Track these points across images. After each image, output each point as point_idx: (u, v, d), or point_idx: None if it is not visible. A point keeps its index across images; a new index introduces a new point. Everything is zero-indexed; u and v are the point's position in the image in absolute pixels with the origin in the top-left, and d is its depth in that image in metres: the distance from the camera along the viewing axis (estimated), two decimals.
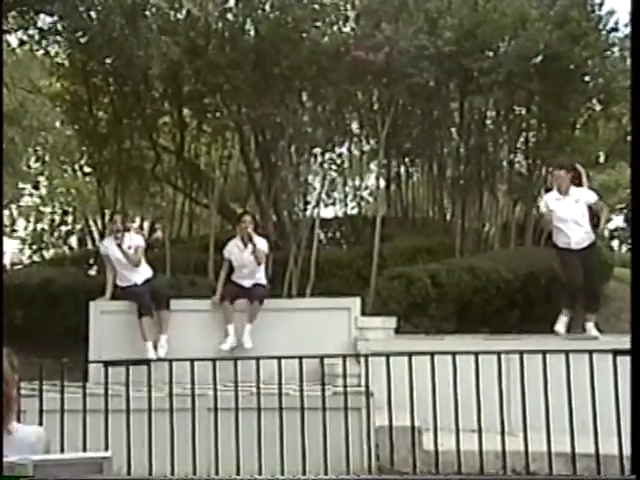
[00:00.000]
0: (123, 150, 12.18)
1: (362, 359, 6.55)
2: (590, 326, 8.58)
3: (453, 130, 13.94)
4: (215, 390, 5.86)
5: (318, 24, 11.01)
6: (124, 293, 8.86)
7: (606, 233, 23.16)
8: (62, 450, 5.18)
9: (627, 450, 4.90)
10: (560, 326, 8.48)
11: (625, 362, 5.26)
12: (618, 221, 25.35)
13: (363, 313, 9.05)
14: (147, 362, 5.96)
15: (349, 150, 15.48)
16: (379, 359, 5.99)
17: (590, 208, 8.63)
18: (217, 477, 5.68)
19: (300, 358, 5.88)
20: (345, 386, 5.95)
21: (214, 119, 12.10)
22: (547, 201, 8.64)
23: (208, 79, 10.69)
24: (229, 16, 10.98)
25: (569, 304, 8.56)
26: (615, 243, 24.52)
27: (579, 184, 8.82)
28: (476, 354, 5.64)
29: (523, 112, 13.16)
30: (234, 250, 9.03)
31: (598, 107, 13.18)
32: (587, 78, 12.22)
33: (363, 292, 10.04)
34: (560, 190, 8.51)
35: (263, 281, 9.07)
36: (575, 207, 8.40)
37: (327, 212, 17.70)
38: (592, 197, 8.68)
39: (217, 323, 8.73)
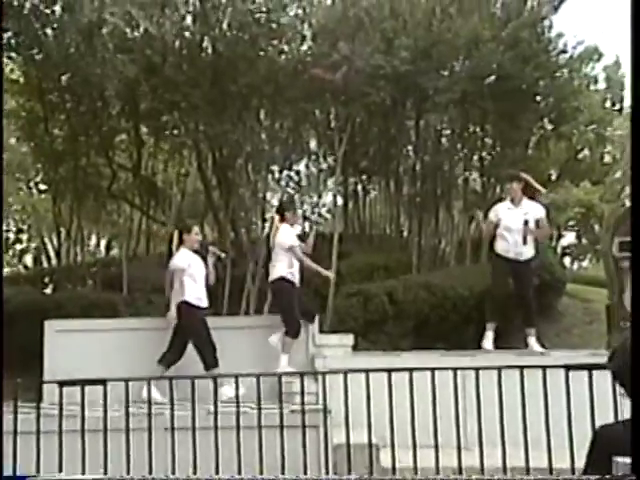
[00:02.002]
0: (79, 167, 12.06)
1: (320, 376, 6.54)
2: (532, 341, 8.58)
3: (409, 148, 14.09)
4: (172, 409, 5.80)
5: (275, 42, 11.07)
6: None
7: (559, 250, 23.58)
8: (14, 472, 5.07)
9: (579, 464, 4.96)
10: (487, 342, 8.40)
11: (577, 377, 5.35)
12: (570, 238, 25.79)
13: (321, 330, 9.04)
14: (103, 382, 5.87)
15: (307, 168, 15.52)
16: (336, 376, 5.98)
17: (537, 223, 8.73)
18: (218, 477, 5.60)
19: (258, 376, 5.84)
20: (303, 404, 5.93)
21: (171, 137, 12.06)
22: (497, 209, 8.68)
23: (165, 97, 10.66)
24: (186, 34, 10.99)
25: (492, 316, 8.57)
26: (567, 260, 24.90)
27: (532, 198, 8.92)
28: (432, 370, 5.67)
29: (478, 130, 13.38)
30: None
31: (549, 126, 13.47)
32: (538, 98, 12.48)
33: (321, 309, 10.04)
34: (512, 201, 8.59)
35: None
36: (523, 219, 8.49)
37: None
38: (540, 213, 8.75)
39: None
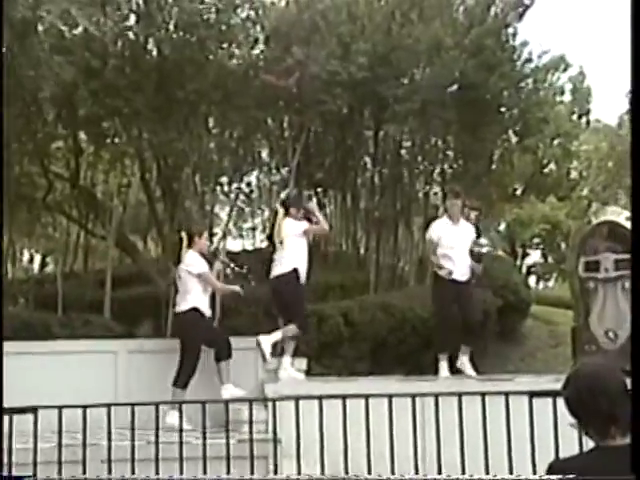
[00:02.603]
0: (11, 177, 11.85)
1: (270, 404, 6.50)
2: (464, 361, 8.47)
3: (367, 160, 14.21)
4: (109, 440, 5.71)
5: (225, 45, 11.06)
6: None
7: (523, 269, 23.91)
8: None
9: None
10: (444, 371, 8.36)
11: (541, 404, 5.41)
12: (535, 256, 26.16)
13: (272, 354, 8.98)
14: (33, 410, 5.75)
15: (258, 179, 15.52)
16: (288, 403, 5.95)
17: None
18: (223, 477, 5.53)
19: (203, 403, 5.79)
20: (251, 433, 5.88)
21: (112, 145, 11.95)
22: (436, 228, 8.57)
23: (106, 102, 10.55)
24: (129, 34, 10.91)
25: (444, 346, 8.47)
26: (532, 279, 25.22)
27: (466, 218, 8.85)
28: (390, 397, 5.67)
29: (439, 142, 13.55)
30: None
31: (514, 139, 13.71)
32: (503, 109, 12.70)
33: (272, 331, 10.00)
34: (452, 218, 8.54)
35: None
36: (464, 237, 8.50)
37: (234, 245, 17.62)
38: (472, 235, 8.72)
39: (113, 365, 8.51)
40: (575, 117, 24.77)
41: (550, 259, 25.64)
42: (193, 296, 7.95)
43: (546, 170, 23.76)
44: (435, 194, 14.68)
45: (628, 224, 7.78)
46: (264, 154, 14.75)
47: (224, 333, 8.20)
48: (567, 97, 24.11)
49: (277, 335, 8.27)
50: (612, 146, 18.57)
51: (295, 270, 8.25)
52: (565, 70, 23.04)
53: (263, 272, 13.93)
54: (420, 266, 13.11)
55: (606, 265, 7.94)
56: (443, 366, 8.34)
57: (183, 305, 7.94)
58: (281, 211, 8.54)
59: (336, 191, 14.65)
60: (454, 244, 8.40)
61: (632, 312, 2.94)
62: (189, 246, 8.09)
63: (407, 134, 13.13)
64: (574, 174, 23.88)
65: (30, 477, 2.20)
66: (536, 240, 24.26)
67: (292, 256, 8.26)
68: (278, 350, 9.46)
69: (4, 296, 11.91)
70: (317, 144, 13.85)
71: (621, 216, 8.00)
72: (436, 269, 8.38)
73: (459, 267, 8.35)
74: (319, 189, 14.73)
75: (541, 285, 26.46)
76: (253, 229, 17.45)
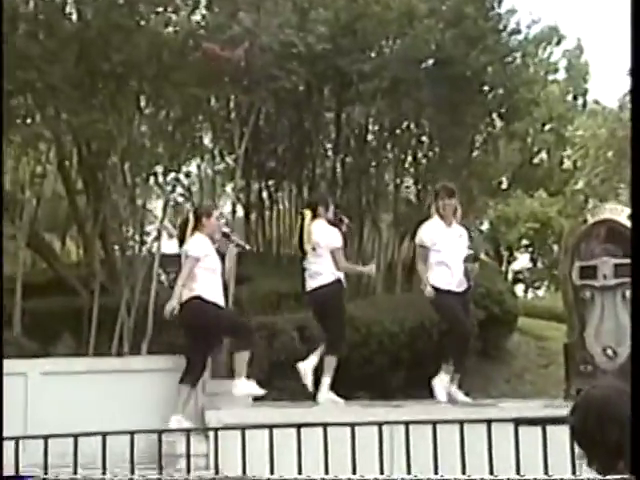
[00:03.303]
0: None
1: (211, 434, 6.49)
2: (454, 389, 8.57)
3: (328, 147, 14.23)
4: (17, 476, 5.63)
5: (159, 10, 10.99)
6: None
7: (509, 275, 24.12)
8: None
9: None
10: (441, 392, 8.39)
11: (528, 432, 5.46)
12: (523, 260, 26.36)
13: (213, 376, 8.96)
14: None
15: (199, 169, 15.45)
16: (232, 433, 5.93)
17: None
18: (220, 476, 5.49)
19: (131, 434, 5.74)
20: (189, 468, 5.85)
21: (24, 126, 11.79)
22: (429, 231, 8.59)
23: (16, 75, 10.41)
24: None
25: (459, 360, 8.57)
26: (520, 288, 25.40)
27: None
28: (353, 425, 5.68)
29: (412, 127, 13.62)
30: None
31: (499, 123, 13.83)
32: (486, 88, 12.82)
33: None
34: (445, 220, 8.57)
35: None
36: (459, 242, 8.57)
37: (170, 246, 17.49)
38: (467, 240, 8.78)
39: (23, 389, 8.42)
40: (570, 98, 25.16)
41: (540, 264, 25.90)
42: (197, 283, 8.03)
43: (536, 160, 24.09)
44: (407, 187, 14.76)
45: (630, 223, 7.90)
46: (206, 139, 14.68)
47: (241, 318, 8.33)
48: (561, 75, 24.51)
49: (314, 358, 8.52)
50: (612, 132, 18.81)
51: (339, 280, 8.39)
52: (559, 43, 23.42)
53: None
54: (389, 271, 13.16)
55: (604, 271, 8.04)
56: (440, 386, 8.41)
57: (185, 293, 8.02)
58: (308, 214, 8.66)
59: (291, 183, 14.63)
60: (450, 250, 8.46)
61: (632, 319, 2.99)
62: (196, 229, 8.21)
63: (374, 117, 13.18)
64: (568, 165, 24.19)
65: (32, 477, 2.39)
66: (524, 242, 24.53)
67: (329, 267, 8.43)
68: (224, 371, 9.46)
69: None
70: (269, 128, 13.82)
71: (622, 214, 8.11)
72: (422, 286, 8.47)
73: (457, 277, 8.44)
74: (271, 181, 14.73)
75: (530, 294, 26.73)
76: None
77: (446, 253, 8.46)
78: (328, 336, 8.54)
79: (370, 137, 13.83)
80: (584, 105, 25.00)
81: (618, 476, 2.54)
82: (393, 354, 10.29)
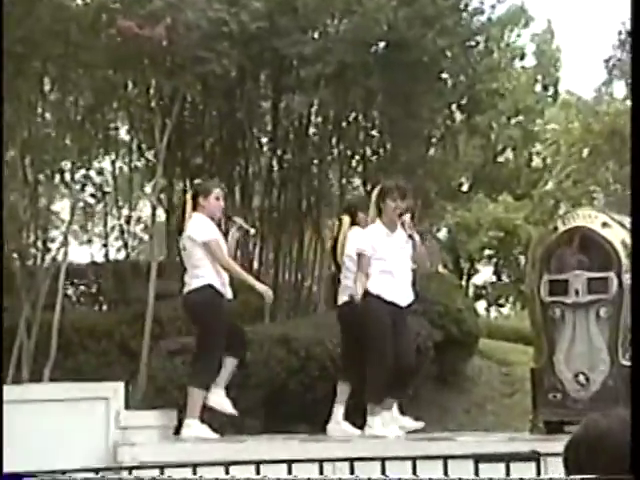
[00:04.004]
0: None
1: (125, 473, 6.43)
2: (392, 415, 8.52)
3: (263, 141, 14.22)
4: None
5: None
6: None
7: (470, 291, 24.28)
8: None
9: None
10: (379, 429, 8.32)
11: (490, 470, 5.50)
12: (486, 274, 26.54)
13: (128, 406, 8.91)
14: None
15: (113, 165, 15.33)
16: (151, 472, 5.90)
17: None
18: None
19: (32, 477, 5.68)
20: None
21: None
22: (374, 237, 8.48)
23: None
24: None
25: (380, 394, 8.46)
26: (482, 305, 25.55)
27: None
28: (290, 462, 5.68)
29: (360, 119, 13.68)
30: None
31: (459, 116, 13.94)
32: (444, 76, 12.92)
33: (129, 374, 9.90)
34: (390, 224, 8.48)
35: None
36: (406, 249, 8.52)
37: (79, 255, 17.33)
38: (417, 238, 8.77)
39: None
40: (539, 88, 25.50)
41: (505, 278, 26.11)
42: (204, 270, 7.99)
43: (500, 159, 24.38)
44: (354, 189, 14.81)
45: (606, 232, 8.02)
46: (122, 131, 14.58)
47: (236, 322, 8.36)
48: (529, 61, 24.85)
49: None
50: (587, 127, 19.05)
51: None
52: (526, 26, 23.73)
53: (119, 293, 13.84)
54: (333, 285, 13.18)
55: (576, 286, 8.13)
56: (376, 422, 8.35)
57: (193, 282, 8.03)
58: (346, 220, 8.61)
59: (221, 182, 14.58)
60: (395, 259, 8.43)
61: (632, 319, 3.04)
62: (194, 210, 8.23)
63: (317, 107, 13.20)
64: (537, 164, 24.49)
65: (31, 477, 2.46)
66: (487, 252, 24.75)
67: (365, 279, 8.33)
68: (142, 401, 9.39)
69: None
70: (195, 118, 13.78)
71: (596, 221, 8.21)
72: (355, 295, 8.41)
73: (401, 287, 8.41)
74: (197, 180, 14.65)
75: (493, 312, 26.97)
76: (106, 234, 17.21)
77: (391, 262, 8.44)
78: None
79: (312, 130, 13.86)
80: (555, 96, 25.34)
81: (619, 476, 2.58)
82: (336, 380, 10.29)
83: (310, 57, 11.44)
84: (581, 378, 8.01)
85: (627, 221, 8.02)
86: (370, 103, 13.09)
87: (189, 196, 8.58)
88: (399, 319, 8.44)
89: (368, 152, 14.00)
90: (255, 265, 13.82)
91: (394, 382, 8.45)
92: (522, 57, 23.80)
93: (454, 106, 13.69)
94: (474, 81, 12.97)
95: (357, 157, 14.00)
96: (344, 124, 13.54)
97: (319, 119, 13.71)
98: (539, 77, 25.37)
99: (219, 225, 8.54)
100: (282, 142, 13.49)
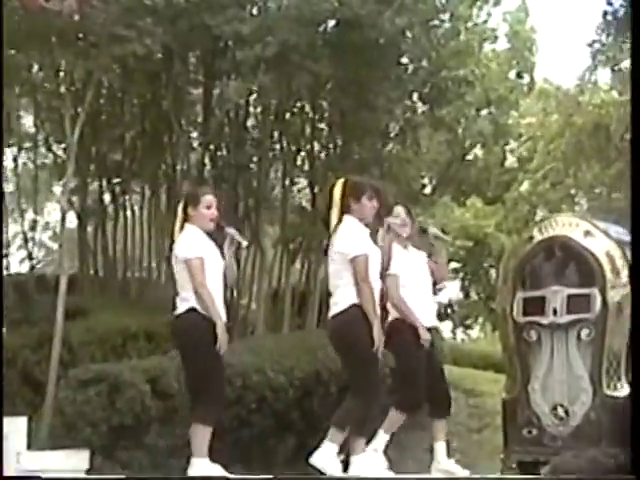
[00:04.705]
0: None
1: None
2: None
3: (194, 135, 14.18)
4: None
5: None
6: None
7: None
8: None
9: None
10: (330, 465, 8.26)
11: None
12: (451, 291, 26.49)
13: (30, 445, 8.85)
14: None
15: (15, 162, 15.22)
16: None
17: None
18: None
19: None
20: None
21: None
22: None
23: None
24: None
25: (366, 423, 8.50)
26: (446, 327, 25.59)
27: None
28: None
29: (307, 109, 13.68)
30: None
31: (421, 107, 13.99)
32: (404, 60, 12.95)
33: (32, 407, 9.81)
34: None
35: None
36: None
37: None
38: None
39: None
40: (513, 75, 25.64)
41: (473, 294, 26.20)
42: (189, 293, 7.84)
43: (469, 156, 24.46)
44: (300, 190, 14.83)
45: (589, 242, 8.05)
46: (27, 121, 14.48)
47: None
48: (501, 44, 24.93)
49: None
50: (568, 120, 19.16)
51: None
52: (498, 3, 23.79)
53: (22, 311, 13.72)
54: (275, 302, 13.19)
55: (555, 304, 8.17)
56: (329, 464, 8.30)
57: (179, 306, 7.85)
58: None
59: (143, 183, 14.54)
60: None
61: (632, 314, 3.07)
62: (186, 221, 8.10)
63: (256, 95, 13.19)
64: (511, 162, 24.63)
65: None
66: (453, 265, 24.83)
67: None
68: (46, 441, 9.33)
69: None
70: (112, 107, 13.74)
71: (578, 229, 8.24)
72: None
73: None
74: (115, 179, 14.57)
75: (460, 335, 27.06)
76: (7, 243, 17.09)
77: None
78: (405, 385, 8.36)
79: (251, 122, 13.88)
80: (531, 85, 25.49)
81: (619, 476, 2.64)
82: (280, 414, 10.28)
83: (248, 37, 11.41)
84: (560, 411, 8.05)
85: (613, 230, 8.10)
86: (318, 91, 13.10)
87: (180, 206, 8.51)
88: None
89: (316, 148, 14.02)
90: None
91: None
92: (493, 39, 23.88)
93: (415, 96, 13.73)
94: (438, 67, 13.02)
95: (303, 154, 14.02)
96: (288, 115, 13.58)
97: (258, 109, 13.72)
98: (513, 63, 25.51)
99: (215, 238, 8.44)
100: (215, 136, 13.46)
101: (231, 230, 8.52)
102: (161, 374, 10.06)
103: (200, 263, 7.81)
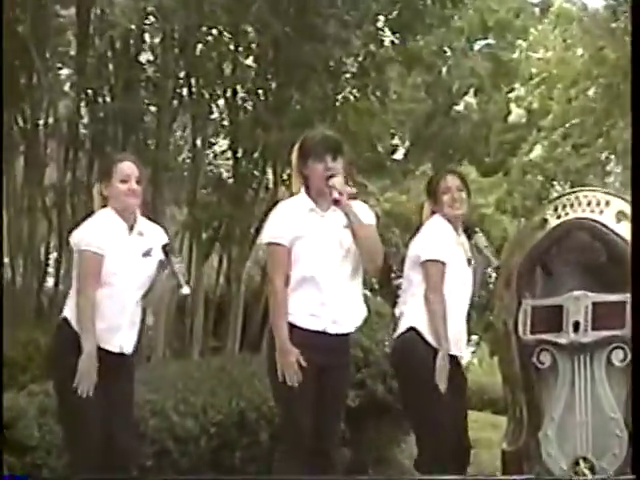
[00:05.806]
0: None
1: None
2: None
3: (64, 72, 14.32)
4: None
5: None
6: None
7: None
8: None
9: None
10: None
11: None
12: None
13: None
14: None
15: None
16: None
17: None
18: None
19: None
20: None
21: None
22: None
23: None
24: None
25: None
26: None
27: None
28: None
29: (225, 38, 13.73)
30: None
31: (389, 36, 14.06)
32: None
33: None
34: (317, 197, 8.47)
35: None
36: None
37: None
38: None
39: None
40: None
41: None
42: (71, 304, 7.80)
43: (457, 107, 24.63)
44: (216, 155, 14.85)
45: (623, 227, 8.06)
46: None
47: None
48: None
49: None
50: (597, 53, 19.21)
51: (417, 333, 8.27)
52: None
53: None
54: (181, 318, 13.24)
55: (576, 317, 8.19)
56: None
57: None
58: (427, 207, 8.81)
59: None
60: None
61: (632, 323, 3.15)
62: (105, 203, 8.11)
63: (154, 18, 13.25)
64: (516, 116, 24.72)
65: None
66: (396, 282, 24.95)
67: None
68: None
69: None
70: None
71: (608, 210, 8.27)
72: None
73: (332, 304, 8.29)
74: None
75: None
76: None
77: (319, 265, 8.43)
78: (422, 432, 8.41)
79: (146, 57, 14.01)
80: (546, 4, 25.64)
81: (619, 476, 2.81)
82: (185, 472, 10.34)
83: None
84: (583, 467, 8.12)
85: None
86: (242, 11, 13.07)
87: (95, 187, 8.47)
88: (332, 357, 8.27)
89: (239, 94, 14.02)
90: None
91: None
92: None
93: (381, 20, 13.79)
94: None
95: (220, 102, 14.03)
96: (199, 46, 13.55)
97: (156, 38, 13.72)
98: None
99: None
100: (94, 76, 13.44)
101: (177, 261, 8.34)
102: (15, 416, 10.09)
103: (96, 262, 7.77)
